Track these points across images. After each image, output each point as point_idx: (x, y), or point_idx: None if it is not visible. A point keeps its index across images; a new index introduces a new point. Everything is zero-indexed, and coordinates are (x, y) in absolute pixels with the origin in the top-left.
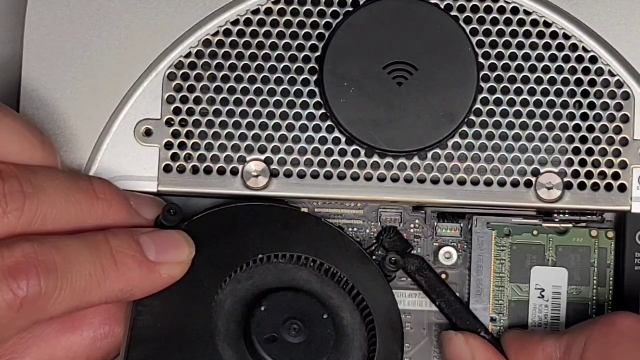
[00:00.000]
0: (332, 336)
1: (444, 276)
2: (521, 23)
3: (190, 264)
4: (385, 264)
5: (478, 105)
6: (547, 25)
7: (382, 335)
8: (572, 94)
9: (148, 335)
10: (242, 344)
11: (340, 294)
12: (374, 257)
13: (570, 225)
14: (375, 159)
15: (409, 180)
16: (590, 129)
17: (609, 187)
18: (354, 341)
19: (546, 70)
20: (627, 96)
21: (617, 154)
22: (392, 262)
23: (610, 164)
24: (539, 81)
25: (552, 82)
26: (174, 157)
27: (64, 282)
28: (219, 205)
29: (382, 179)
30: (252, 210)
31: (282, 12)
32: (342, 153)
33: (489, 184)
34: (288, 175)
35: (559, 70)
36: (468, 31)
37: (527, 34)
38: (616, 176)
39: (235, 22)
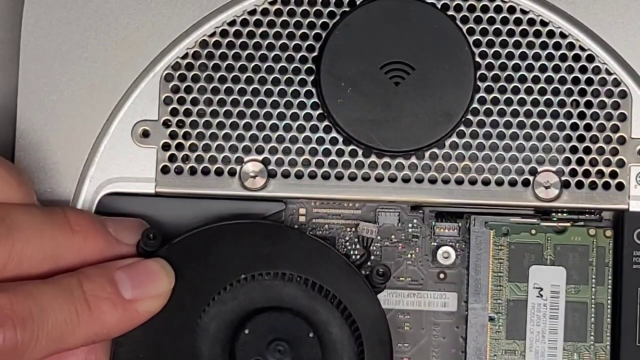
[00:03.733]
0: (317, 355)
1: (442, 276)
2: (518, 22)
3: (170, 293)
4: (373, 276)
5: (475, 105)
6: (544, 24)
7: (370, 349)
8: (569, 92)
9: None
10: None
11: (328, 309)
12: (362, 270)
13: (568, 224)
14: (373, 158)
15: (406, 180)
16: (588, 128)
17: (606, 186)
18: (343, 357)
19: (543, 69)
20: (624, 94)
21: (614, 152)
22: (380, 274)
23: (607, 163)
24: (535, 80)
25: (549, 80)
26: (172, 158)
27: (40, 332)
28: (199, 226)
29: (379, 179)
30: (233, 229)
31: (278, 13)
32: (340, 153)
33: (486, 183)
34: (285, 175)
35: (556, 69)
36: (465, 30)
37: (524, 33)
38: (614, 174)
39: (232, 23)
